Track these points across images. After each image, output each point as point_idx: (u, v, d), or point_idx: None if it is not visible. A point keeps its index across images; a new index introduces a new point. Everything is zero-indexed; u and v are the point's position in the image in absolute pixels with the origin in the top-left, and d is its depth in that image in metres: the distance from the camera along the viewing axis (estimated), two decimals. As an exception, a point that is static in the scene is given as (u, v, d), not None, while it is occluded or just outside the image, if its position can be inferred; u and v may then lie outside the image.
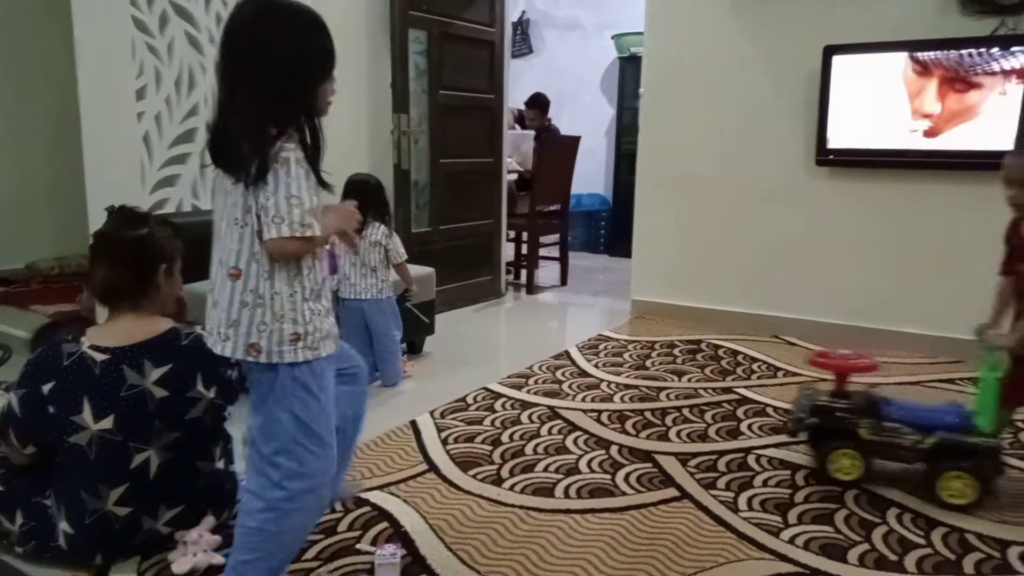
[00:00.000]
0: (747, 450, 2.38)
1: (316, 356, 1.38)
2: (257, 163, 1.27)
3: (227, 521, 1.85)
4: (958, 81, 3.14)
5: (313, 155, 1.38)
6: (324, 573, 1.67)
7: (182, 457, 1.73)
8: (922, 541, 1.82)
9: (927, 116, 3.24)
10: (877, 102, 3.33)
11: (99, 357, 1.67)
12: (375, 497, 2.03)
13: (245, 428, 2.07)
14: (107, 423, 1.64)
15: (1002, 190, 2.00)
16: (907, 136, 3.30)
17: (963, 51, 3.11)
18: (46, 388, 1.64)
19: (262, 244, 1.31)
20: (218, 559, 1.69)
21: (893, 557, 1.75)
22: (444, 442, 2.43)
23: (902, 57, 3.24)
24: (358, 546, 1.77)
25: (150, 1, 3.13)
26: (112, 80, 3.02)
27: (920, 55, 3.20)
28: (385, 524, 1.89)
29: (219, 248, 1.38)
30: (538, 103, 5.63)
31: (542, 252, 5.43)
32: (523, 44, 7.09)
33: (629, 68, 6.18)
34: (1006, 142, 3.07)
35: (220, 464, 1.84)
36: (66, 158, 3.58)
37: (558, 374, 3.19)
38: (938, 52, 3.16)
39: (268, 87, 1.31)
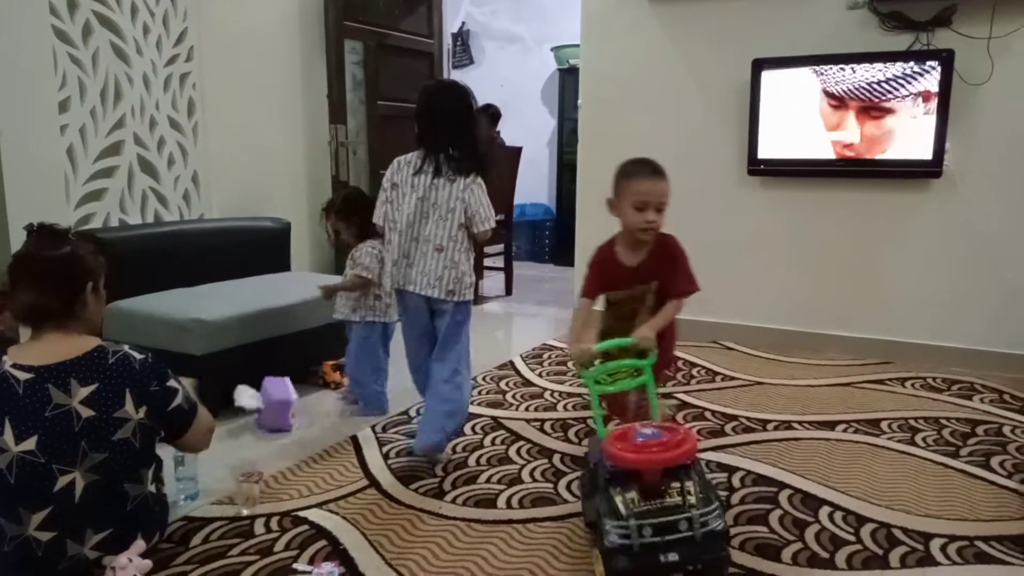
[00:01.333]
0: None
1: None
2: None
3: (158, 545, 1.79)
4: (873, 109, 3.28)
5: None
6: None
7: (109, 480, 1.66)
8: (852, 538, 1.88)
9: (848, 147, 3.38)
10: (803, 113, 3.44)
11: (22, 376, 1.60)
12: (313, 515, 1.99)
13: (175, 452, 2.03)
14: (29, 444, 1.57)
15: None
16: (831, 147, 3.42)
17: (878, 69, 3.24)
18: None
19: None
20: (148, 585, 1.63)
21: (824, 555, 1.80)
22: (386, 457, 2.40)
23: (818, 80, 3.36)
24: (295, 566, 1.73)
25: (72, 11, 3.04)
26: (32, 92, 2.91)
27: (833, 88, 3.33)
28: (323, 542, 1.85)
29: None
30: (487, 113, 5.60)
31: (487, 262, 5.44)
32: (464, 55, 7.11)
33: (569, 79, 6.26)
34: (923, 151, 3.22)
35: (151, 488, 1.77)
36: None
37: (502, 384, 3.19)
38: (851, 84, 3.30)
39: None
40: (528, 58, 6.84)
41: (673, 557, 1.49)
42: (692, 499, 1.53)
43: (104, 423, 1.64)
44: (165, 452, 2.01)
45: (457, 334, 2.36)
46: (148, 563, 1.69)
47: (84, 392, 1.62)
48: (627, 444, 1.62)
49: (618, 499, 1.55)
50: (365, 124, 4.23)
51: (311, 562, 1.74)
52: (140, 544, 1.72)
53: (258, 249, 3.57)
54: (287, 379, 2.68)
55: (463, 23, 7.09)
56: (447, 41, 6.20)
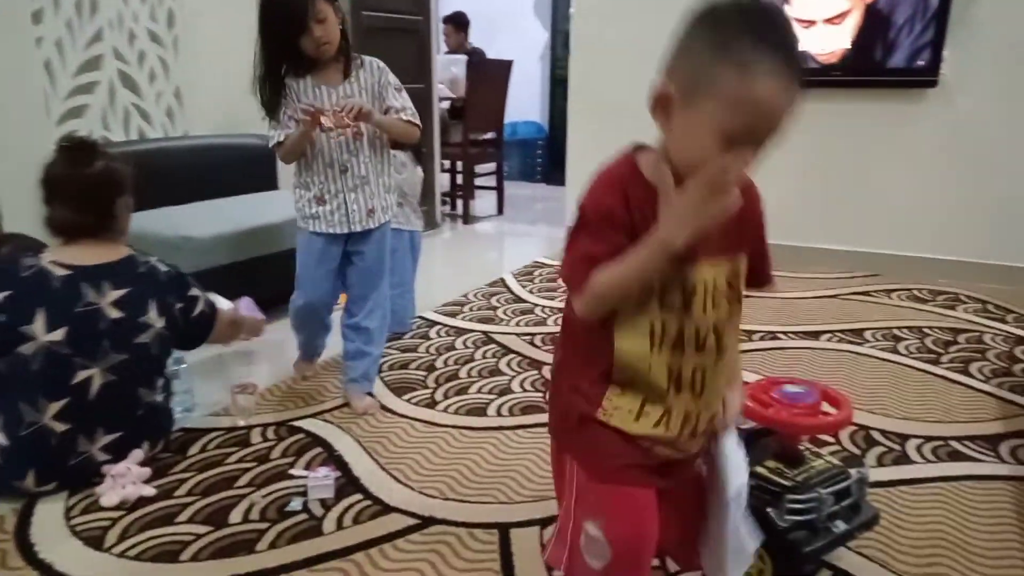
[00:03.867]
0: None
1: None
2: None
3: (158, 455, 1.85)
4: (869, 15, 3.20)
5: None
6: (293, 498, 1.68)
7: (125, 381, 1.74)
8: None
9: (841, 54, 3.29)
10: (796, 14, 3.35)
11: (59, 272, 1.69)
12: (309, 424, 2.04)
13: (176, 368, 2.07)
14: (58, 335, 1.65)
15: None
16: (828, 60, 3.35)
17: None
18: (2, 296, 1.64)
19: None
20: (148, 490, 1.68)
21: (804, 454, 1.87)
22: (379, 370, 2.44)
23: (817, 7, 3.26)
24: (291, 471, 1.79)
25: (38, -87, 2.89)
26: (2, 2, 2.80)
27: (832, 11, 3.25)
28: (319, 449, 1.91)
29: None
30: (453, 20, 5.43)
31: (478, 182, 5.39)
32: (451, -35, 6.83)
33: (560, -9, 6.05)
34: (920, 59, 3.16)
35: (159, 397, 1.82)
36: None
37: (493, 300, 3.22)
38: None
39: None
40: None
41: (842, 526, 1.31)
42: (835, 459, 1.38)
43: (128, 325, 1.73)
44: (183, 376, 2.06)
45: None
46: (146, 470, 1.74)
47: (115, 295, 1.71)
48: (779, 402, 1.35)
49: (762, 469, 1.33)
50: (352, 35, 4.10)
51: (307, 467, 1.80)
52: (138, 453, 1.77)
53: (245, 167, 3.51)
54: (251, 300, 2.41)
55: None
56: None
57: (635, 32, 3.77)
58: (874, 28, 3.23)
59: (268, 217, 2.98)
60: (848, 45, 3.29)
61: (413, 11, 4.43)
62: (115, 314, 1.70)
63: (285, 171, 3.87)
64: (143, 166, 3.04)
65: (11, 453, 1.64)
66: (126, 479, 1.69)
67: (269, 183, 3.64)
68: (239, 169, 3.48)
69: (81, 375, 1.66)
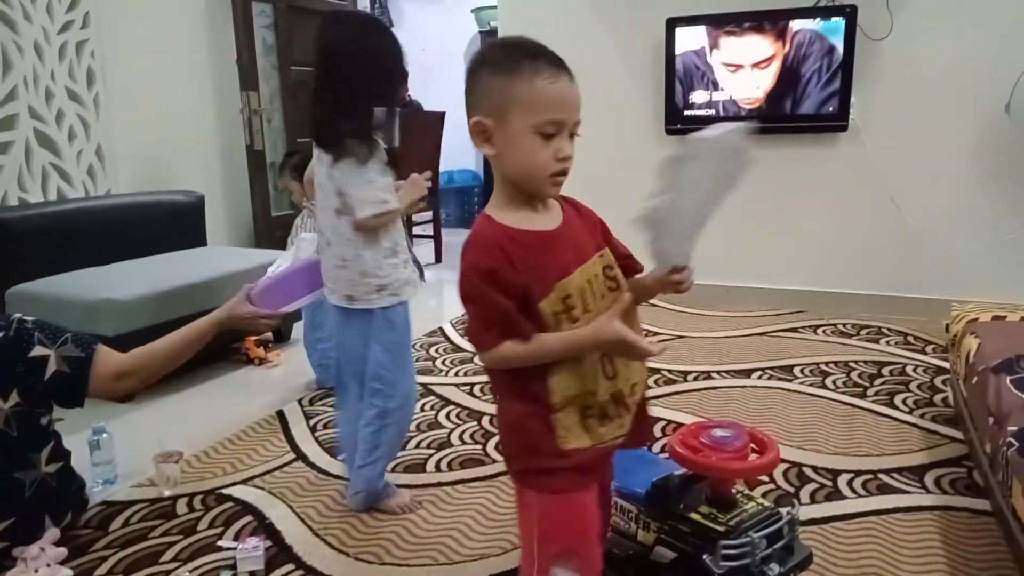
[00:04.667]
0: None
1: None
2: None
3: (73, 528, 1.74)
4: (781, 65, 3.37)
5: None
6: (184, 574, 1.60)
7: None
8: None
9: (758, 103, 3.45)
10: (715, 72, 3.50)
11: None
12: (238, 492, 1.96)
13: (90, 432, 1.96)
14: None
15: None
16: (742, 104, 3.50)
17: (786, 25, 3.32)
18: None
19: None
20: (65, 572, 1.58)
21: (740, 495, 1.89)
22: (313, 429, 2.38)
23: (745, 52, 3.42)
24: (219, 543, 1.71)
25: (-53, -27, 2.81)
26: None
27: (743, 46, 3.41)
28: (249, 517, 1.83)
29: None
30: None
31: (415, 231, 5.39)
32: (383, 17, 6.92)
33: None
34: (830, 106, 3.33)
35: (48, 468, 1.69)
36: None
37: (432, 351, 3.19)
38: (760, 41, 3.38)
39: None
40: (448, 20, 6.71)
41: (776, 569, 1.31)
42: (766, 501, 1.41)
43: None
44: (80, 439, 1.95)
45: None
46: (62, 551, 1.64)
47: None
48: (708, 447, 1.36)
49: (696, 515, 1.35)
50: (279, 90, 4.09)
51: (236, 538, 1.73)
52: (53, 532, 1.66)
53: (171, 224, 3.43)
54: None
55: (380, -16, 6.89)
56: (364, 3, 6.03)
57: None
58: (788, 77, 3.39)
59: (195, 274, 2.91)
60: (767, 90, 3.43)
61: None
62: None
63: (214, 226, 3.80)
64: (63, 228, 2.98)
65: None
66: (39, 561, 1.59)
67: (198, 239, 3.56)
68: (166, 226, 3.40)
69: None
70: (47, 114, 3.21)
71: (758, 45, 3.40)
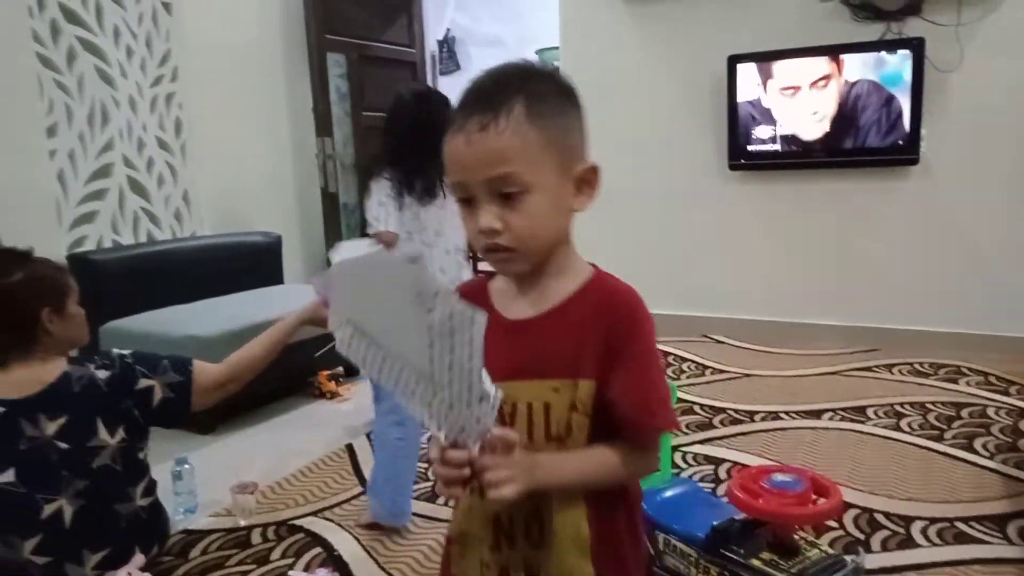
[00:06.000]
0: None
1: None
2: None
3: (158, 557, 1.84)
4: (849, 98, 3.33)
5: None
6: (256, 604, 1.67)
7: (97, 503, 1.67)
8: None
9: (826, 137, 3.41)
10: (781, 107, 3.49)
11: None
12: (308, 523, 2.04)
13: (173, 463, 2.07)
14: (8, 476, 1.57)
15: None
16: (810, 138, 3.46)
17: (852, 59, 3.29)
18: None
19: None
20: (147, 598, 1.67)
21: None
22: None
23: (803, 73, 3.40)
24: (291, 573, 1.78)
25: (55, 36, 3.08)
26: (20, 119, 2.96)
27: (809, 80, 3.39)
28: (319, 549, 1.90)
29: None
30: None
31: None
32: (451, 62, 7.14)
33: (554, 81, 6.29)
34: (900, 139, 3.26)
35: (142, 502, 1.80)
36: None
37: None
38: (826, 75, 3.35)
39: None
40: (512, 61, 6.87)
41: None
42: (831, 548, 1.39)
43: (79, 453, 1.63)
44: (164, 468, 2.06)
45: None
46: (147, 576, 1.73)
47: (54, 426, 1.61)
48: (768, 492, 1.35)
49: (756, 561, 1.32)
50: (351, 135, 4.28)
51: (306, 569, 1.79)
52: (139, 558, 1.75)
53: (250, 263, 3.61)
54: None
55: (448, 29, 7.13)
56: (431, 49, 6.25)
57: (617, 122, 3.91)
58: (851, 109, 3.35)
59: (273, 311, 3.02)
60: (830, 117, 3.39)
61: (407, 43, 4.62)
62: (62, 445, 1.61)
63: (290, 265, 3.98)
64: (152, 268, 3.18)
65: None
66: (125, 587, 1.68)
67: (275, 277, 3.73)
68: (246, 265, 3.57)
69: (49, 509, 1.60)
70: (139, 162, 3.45)
71: (814, 64, 3.38)
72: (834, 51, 3.32)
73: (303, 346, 3.10)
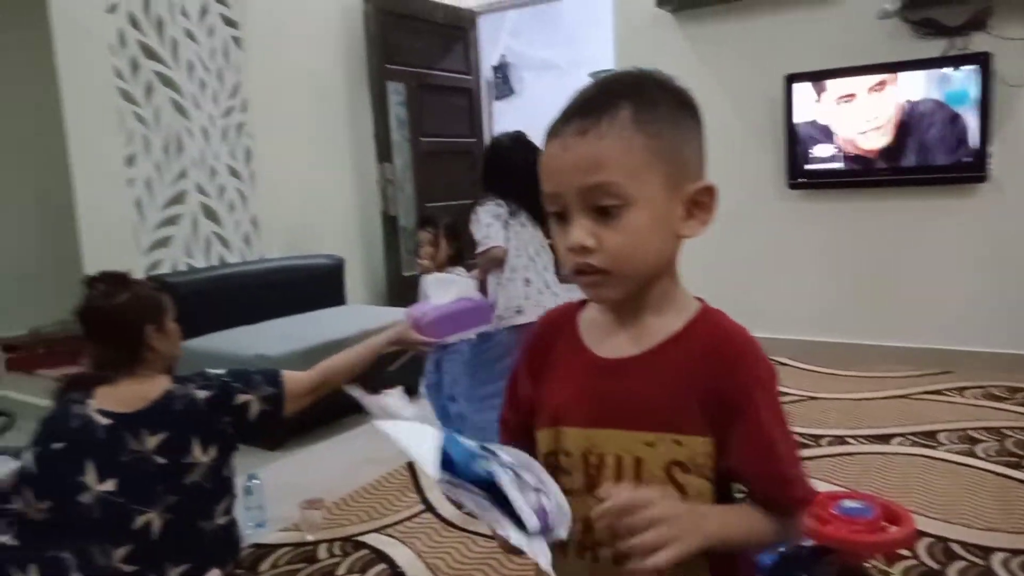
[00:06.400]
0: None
1: None
2: None
3: (232, 573, 1.90)
4: (913, 116, 3.26)
5: None
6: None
7: (184, 519, 1.76)
8: (907, 552, 1.86)
9: (890, 154, 3.34)
10: (841, 126, 3.44)
11: (103, 421, 1.71)
12: (373, 539, 2.08)
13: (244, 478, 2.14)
14: (109, 485, 1.68)
15: None
16: (871, 153, 3.40)
17: (914, 76, 3.23)
18: (56, 447, 1.69)
19: None
20: (222, 612, 1.73)
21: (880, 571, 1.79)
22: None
23: (859, 81, 3.36)
24: (357, 589, 1.82)
25: (135, 71, 3.25)
26: (102, 150, 3.13)
27: (870, 98, 3.33)
28: (383, 565, 1.93)
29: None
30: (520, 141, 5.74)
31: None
32: (505, 86, 7.26)
33: (608, 103, 6.33)
34: (967, 155, 3.18)
35: (222, 520, 1.87)
36: (63, 225, 3.68)
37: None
38: (888, 92, 3.29)
39: None
40: (566, 84, 6.86)
41: None
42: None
43: (174, 469, 1.72)
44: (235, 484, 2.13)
45: None
46: (222, 589, 1.79)
47: (154, 441, 1.70)
48: (837, 519, 1.30)
49: None
50: (411, 161, 4.38)
51: (372, 585, 1.82)
52: (216, 573, 1.82)
53: (315, 285, 3.73)
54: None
55: (503, 55, 7.25)
56: (487, 74, 6.36)
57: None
58: (915, 124, 3.28)
59: (337, 332, 3.12)
60: (891, 125, 3.32)
61: (467, 135, 4.73)
62: (160, 460, 1.70)
63: (352, 287, 4.08)
64: (222, 290, 3.31)
65: None
66: (200, 598, 1.75)
67: (338, 298, 3.84)
68: (310, 287, 3.69)
69: (140, 520, 1.68)
70: (211, 189, 3.61)
71: (872, 81, 3.33)
72: (894, 68, 3.26)
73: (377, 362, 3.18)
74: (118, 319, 1.74)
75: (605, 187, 0.70)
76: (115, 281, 1.79)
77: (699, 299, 0.80)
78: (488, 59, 6.50)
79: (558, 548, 0.70)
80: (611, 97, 0.73)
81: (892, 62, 3.28)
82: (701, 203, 0.76)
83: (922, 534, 1.92)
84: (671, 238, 0.75)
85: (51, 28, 2.94)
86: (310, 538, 2.09)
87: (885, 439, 2.63)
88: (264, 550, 2.05)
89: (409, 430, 0.58)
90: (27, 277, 4.61)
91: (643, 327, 0.76)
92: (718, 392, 0.71)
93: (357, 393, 0.60)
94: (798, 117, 3.51)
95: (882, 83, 3.31)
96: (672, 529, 0.62)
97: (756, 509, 0.73)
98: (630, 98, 0.73)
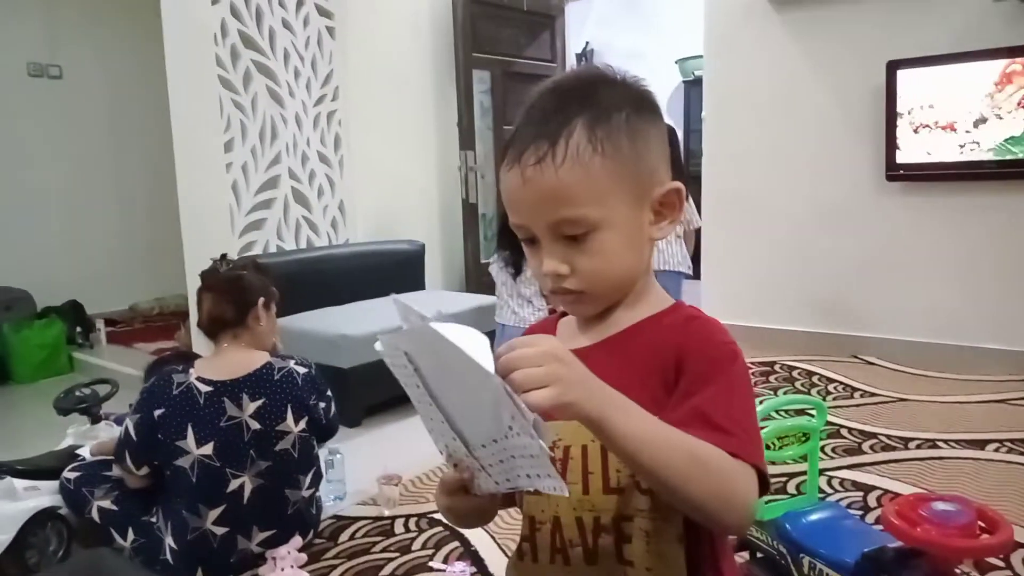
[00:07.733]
0: (821, 471, 2.35)
1: None
2: None
3: (312, 541, 1.99)
4: None
5: None
6: (400, 589, 1.76)
7: (272, 485, 1.88)
8: (1001, 563, 1.77)
9: (1000, 146, 3.14)
10: (946, 114, 3.25)
11: (204, 388, 1.85)
12: (447, 518, 2.12)
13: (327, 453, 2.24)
14: (207, 449, 1.80)
15: None
16: (980, 148, 3.21)
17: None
18: (157, 414, 1.82)
19: None
20: (303, 575, 1.82)
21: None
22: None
23: (971, 67, 3.17)
24: (431, 563, 1.87)
25: (235, 60, 3.41)
26: (202, 136, 3.29)
27: (983, 85, 3.13)
28: (456, 543, 1.98)
29: None
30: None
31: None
32: (588, 74, 7.21)
33: (694, 91, 6.19)
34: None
35: (306, 492, 1.97)
36: (163, 206, 3.91)
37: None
38: (1003, 79, 3.09)
39: None
40: (651, 72, 6.80)
41: None
42: None
43: (268, 435, 1.86)
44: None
45: None
46: (303, 556, 1.88)
47: (252, 406, 1.85)
48: (928, 521, 1.25)
49: None
50: (492, 149, 4.42)
51: (445, 561, 1.87)
52: (297, 540, 1.92)
53: (396, 270, 3.82)
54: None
55: (587, 43, 7.20)
56: (571, 62, 6.32)
57: (764, 133, 3.80)
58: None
59: (416, 316, 3.21)
60: (1009, 137, 3.13)
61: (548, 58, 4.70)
62: (255, 425, 1.84)
63: (432, 271, 4.17)
64: (310, 272, 3.44)
65: (181, 555, 1.81)
66: (285, 561, 1.84)
67: (418, 283, 3.93)
68: (392, 271, 3.79)
69: (234, 483, 1.82)
70: (302, 174, 3.74)
71: (986, 68, 3.13)
72: (1012, 54, 3.06)
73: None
74: (238, 282, 1.93)
75: (571, 220, 0.70)
76: (243, 262, 2.04)
77: (678, 301, 0.80)
78: (573, 47, 6.46)
79: (528, 553, 0.75)
80: (562, 111, 0.71)
81: (1010, 47, 3.06)
82: (669, 203, 0.75)
83: (1018, 545, 1.83)
84: (644, 246, 0.76)
85: (161, 19, 3.10)
86: (387, 513, 2.16)
87: (980, 444, 2.49)
88: (343, 522, 2.13)
89: (459, 331, 0.58)
90: (128, 256, 4.92)
91: (611, 319, 0.77)
92: (675, 371, 0.70)
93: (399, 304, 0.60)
94: (901, 107, 3.34)
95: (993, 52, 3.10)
96: (559, 370, 0.59)
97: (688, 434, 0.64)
98: (582, 111, 0.71)
